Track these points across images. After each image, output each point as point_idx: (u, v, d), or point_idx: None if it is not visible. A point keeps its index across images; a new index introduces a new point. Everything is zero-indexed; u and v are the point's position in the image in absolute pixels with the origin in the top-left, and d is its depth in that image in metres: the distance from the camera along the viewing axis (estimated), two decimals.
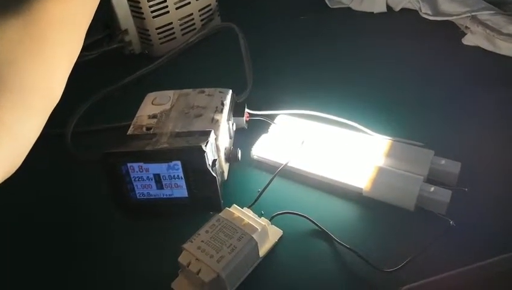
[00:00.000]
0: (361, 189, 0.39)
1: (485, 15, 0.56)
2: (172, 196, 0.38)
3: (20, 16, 0.25)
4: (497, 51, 0.55)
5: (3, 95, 0.23)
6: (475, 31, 0.56)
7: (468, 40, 0.58)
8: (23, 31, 0.25)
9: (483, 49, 0.56)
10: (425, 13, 0.62)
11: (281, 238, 0.37)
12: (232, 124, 0.44)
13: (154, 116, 0.42)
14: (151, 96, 0.45)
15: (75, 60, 0.28)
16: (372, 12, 0.68)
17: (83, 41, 0.29)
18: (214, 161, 0.37)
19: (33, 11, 0.25)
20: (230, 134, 0.43)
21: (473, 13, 0.57)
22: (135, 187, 0.37)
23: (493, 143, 0.43)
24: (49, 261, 0.38)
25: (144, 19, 0.61)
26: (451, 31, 0.60)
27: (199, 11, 0.65)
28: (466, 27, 0.58)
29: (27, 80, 0.24)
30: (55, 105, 0.27)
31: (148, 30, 0.62)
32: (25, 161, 0.26)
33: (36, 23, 0.25)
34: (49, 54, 0.26)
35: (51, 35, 0.26)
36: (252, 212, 0.37)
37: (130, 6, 0.61)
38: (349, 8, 0.69)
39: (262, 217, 0.37)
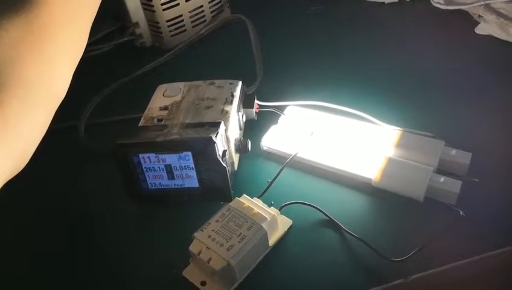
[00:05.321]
0: (371, 179, 0.39)
1: (498, 3, 0.55)
2: (184, 186, 0.38)
3: (21, 13, 0.25)
4: (511, 40, 0.54)
5: (7, 92, 0.23)
6: (488, 20, 0.55)
7: (481, 29, 0.57)
8: (25, 28, 0.24)
9: (496, 38, 0.55)
10: (438, 2, 0.61)
11: (290, 228, 0.37)
12: (242, 116, 0.44)
13: (165, 108, 0.42)
14: (162, 88, 0.45)
15: (80, 55, 0.28)
16: (383, 2, 0.67)
17: (87, 37, 0.29)
18: (224, 151, 0.37)
19: (34, 8, 0.25)
20: (240, 125, 0.44)
21: (486, 1, 0.56)
22: (147, 177, 0.38)
23: (505, 133, 0.43)
24: (62, 250, 0.39)
25: (154, 11, 0.61)
26: (463, 20, 0.59)
27: (209, 3, 0.65)
28: (479, 16, 0.57)
29: (30, 77, 0.24)
30: (60, 101, 0.27)
31: (158, 23, 0.62)
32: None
33: (37, 20, 0.25)
34: (51, 51, 0.25)
35: (53, 31, 0.26)
36: (261, 202, 0.37)
37: None
38: None
39: (271, 207, 0.37)
